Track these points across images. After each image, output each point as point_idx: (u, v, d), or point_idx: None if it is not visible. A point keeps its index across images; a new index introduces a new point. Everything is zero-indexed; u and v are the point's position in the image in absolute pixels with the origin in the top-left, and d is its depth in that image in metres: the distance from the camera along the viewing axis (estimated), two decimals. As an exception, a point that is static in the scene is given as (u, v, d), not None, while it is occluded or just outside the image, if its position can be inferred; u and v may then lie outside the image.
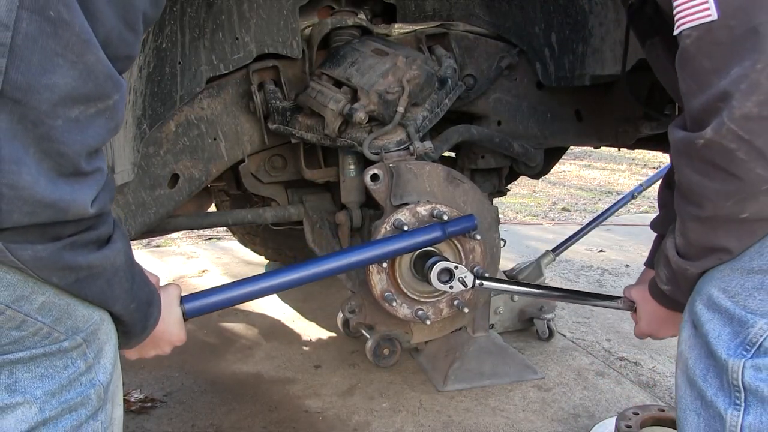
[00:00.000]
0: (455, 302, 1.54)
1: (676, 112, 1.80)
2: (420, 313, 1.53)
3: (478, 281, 1.43)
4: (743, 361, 0.93)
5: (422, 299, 1.53)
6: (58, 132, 0.65)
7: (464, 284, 1.42)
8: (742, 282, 0.98)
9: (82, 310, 0.79)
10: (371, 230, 1.54)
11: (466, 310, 1.54)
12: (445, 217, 1.44)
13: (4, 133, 0.63)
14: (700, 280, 1.06)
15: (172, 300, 1.06)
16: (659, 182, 1.42)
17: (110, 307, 0.82)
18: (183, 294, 1.08)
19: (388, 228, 1.48)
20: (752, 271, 0.98)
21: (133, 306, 0.86)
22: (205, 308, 1.11)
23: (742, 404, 0.94)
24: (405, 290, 1.52)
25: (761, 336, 0.93)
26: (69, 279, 0.74)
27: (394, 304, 1.52)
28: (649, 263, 1.34)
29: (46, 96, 0.63)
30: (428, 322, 1.54)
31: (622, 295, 1.35)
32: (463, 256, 1.52)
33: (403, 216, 1.48)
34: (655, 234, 1.33)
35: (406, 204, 1.51)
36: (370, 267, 1.46)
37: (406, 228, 1.43)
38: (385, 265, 1.49)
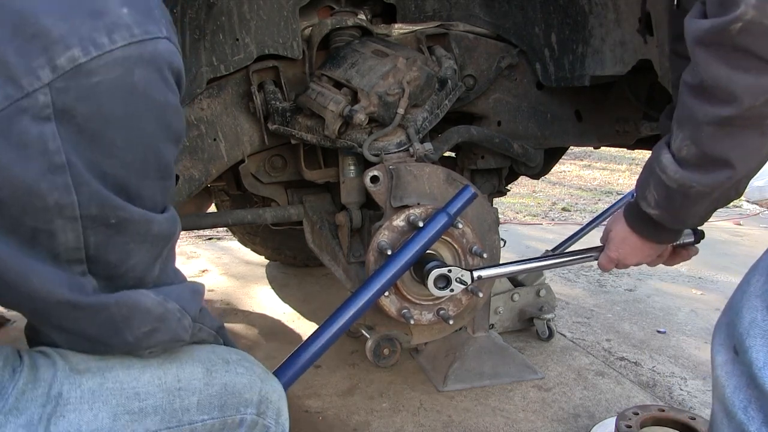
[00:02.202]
0: (469, 288, 1.54)
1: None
2: (442, 312, 1.54)
3: (475, 274, 1.43)
4: None
5: (438, 300, 1.54)
6: (151, 279, 0.76)
7: (463, 283, 1.43)
8: None
9: (241, 380, 0.82)
10: (371, 231, 1.54)
11: (480, 294, 1.54)
12: (420, 224, 1.43)
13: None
14: (738, 297, 0.94)
15: None
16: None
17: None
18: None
19: (375, 255, 1.48)
20: None
21: None
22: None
23: None
24: (418, 301, 1.52)
25: None
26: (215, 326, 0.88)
27: (413, 320, 1.52)
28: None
29: (131, 275, 0.72)
30: (451, 322, 1.54)
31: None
32: (456, 246, 1.52)
33: (383, 236, 1.48)
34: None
35: (406, 206, 1.51)
36: None
37: (389, 251, 1.42)
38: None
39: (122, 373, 0.74)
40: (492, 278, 1.53)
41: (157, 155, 0.73)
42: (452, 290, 1.43)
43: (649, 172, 1.08)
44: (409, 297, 1.51)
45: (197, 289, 0.83)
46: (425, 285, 1.43)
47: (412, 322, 1.52)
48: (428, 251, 1.47)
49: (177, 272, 0.81)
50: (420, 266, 1.46)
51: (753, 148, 0.92)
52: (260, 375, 0.86)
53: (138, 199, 0.71)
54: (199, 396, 0.77)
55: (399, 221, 1.48)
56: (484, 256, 1.52)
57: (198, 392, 0.77)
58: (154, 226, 0.73)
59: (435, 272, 1.41)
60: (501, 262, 1.70)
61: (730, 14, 0.81)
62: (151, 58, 0.69)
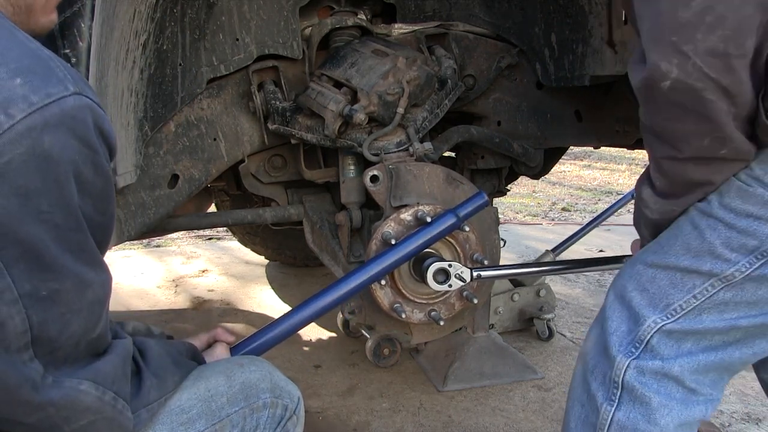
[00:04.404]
0: (464, 293, 1.54)
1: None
2: (433, 314, 1.54)
3: (475, 273, 1.43)
4: (629, 361, 0.99)
5: (431, 300, 1.53)
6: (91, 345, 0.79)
7: (462, 280, 1.42)
8: (640, 275, 1.03)
9: (254, 375, 1.00)
10: (371, 230, 1.54)
11: (475, 300, 1.54)
12: (428, 219, 1.44)
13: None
14: (617, 275, 1.09)
15: (224, 355, 1.16)
16: None
17: None
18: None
19: (377, 244, 1.48)
20: (649, 265, 1.02)
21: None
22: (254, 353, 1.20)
23: (616, 401, 0.99)
24: (412, 297, 1.52)
25: (648, 334, 0.99)
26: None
27: (404, 315, 1.52)
28: None
29: (69, 343, 0.75)
30: (442, 323, 1.54)
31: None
32: (459, 249, 1.52)
33: (389, 227, 1.48)
34: None
35: (405, 206, 1.51)
36: (372, 285, 1.45)
37: (393, 241, 1.42)
38: (383, 281, 1.49)
39: (168, 400, 0.92)
40: (491, 279, 1.53)
41: (77, 212, 0.73)
42: (450, 285, 1.43)
43: (637, 210, 1.13)
44: (404, 292, 1.51)
45: (126, 353, 0.85)
46: (424, 281, 1.43)
47: (403, 316, 1.52)
48: (430, 250, 1.47)
49: (108, 332, 0.84)
50: (419, 263, 1.46)
51: (719, 168, 0.96)
52: (269, 369, 1.03)
53: (67, 262, 0.72)
54: (227, 395, 0.95)
55: (407, 215, 1.48)
56: (485, 263, 1.52)
57: (225, 393, 0.95)
58: (87, 293, 0.75)
59: (435, 265, 1.41)
60: (501, 263, 1.70)
61: (658, 71, 0.86)
62: (58, 121, 0.68)
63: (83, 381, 0.76)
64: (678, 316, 0.98)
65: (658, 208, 1.05)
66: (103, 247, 0.79)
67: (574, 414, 1.07)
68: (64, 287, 0.72)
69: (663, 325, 0.98)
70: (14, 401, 0.72)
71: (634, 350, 0.99)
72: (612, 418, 0.99)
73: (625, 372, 0.99)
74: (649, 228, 1.10)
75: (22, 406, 0.73)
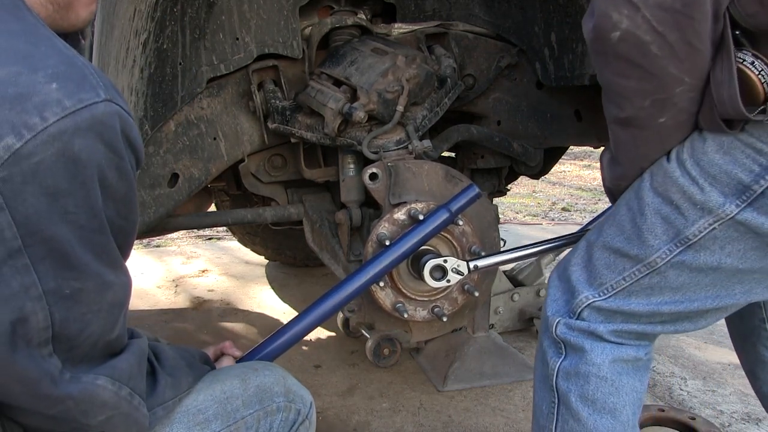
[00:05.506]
0: (465, 287, 1.53)
1: None
2: (437, 310, 1.54)
3: (471, 265, 1.42)
4: (558, 318, 1.10)
5: (433, 297, 1.53)
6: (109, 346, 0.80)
7: (460, 273, 1.42)
8: (582, 252, 1.10)
9: (268, 379, 1.02)
10: (371, 228, 1.54)
11: (477, 293, 1.53)
12: (420, 217, 1.43)
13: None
14: (567, 252, 1.18)
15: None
16: None
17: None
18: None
19: (373, 246, 1.48)
20: (590, 243, 1.09)
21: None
22: None
23: (563, 353, 1.10)
24: (413, 295, 1.51)
25: (580, 307, 1.08)
26: None
27: (407, 314, 1.52)
28: None
29: (88, 342, 0.76)
30: (445, 319, 1.54)
31: None
32: (456, 244, 1.52)
33: (384, 228, 1.48)
34: None
35: (404, 203, 1.51)
36: (372, 287, 1.45)
37: (388, 242, 1.42)
38: (382, 283, 1.48)
39: (183, 400, 0.93)
40: (488, 268, 1.49)
41: (101, 215, 0.75)
42: (449, 281, 1.42)
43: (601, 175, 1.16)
44: (404, 291, 1.50)
45: (142, 352, 0.87)
46: (422, 278, 1.42)
47: (405, 316, 1.51)
48: (427, 247, 1.47)
49: (125, 334, 0.86)
50: (417, 261, 1.45)
51: (653, 145, 0.98)
52: (282, 374, 1.05)
53: (89, 262, 0.73)
54: (242, 398, 0.97)
55: (400, 215, 1.48)
56: (480, 255, 1.52)
57: (240, 396, 0.97)
58: (108, 294, 0.76)
59: (431, 263, 1.41)
60: (500, 268, 1.69)
61: (609, 23, 0.88)
62: (89, 126, 0.70)
63: (100, 376, 0.78)
64: (608, 294, 1.05)
65: (610, 177, 1.09)
66: (124, 252, 0.81)
67: (536, 370, 1.17)
68: (86, 287, 0.74)
69: (594, 301, 1.06)
70: (36, 394, 0.74)
71: (567, 318, 1.09)
72: (559, 367, 1.10)
73: (556, 327, 1.09)
74: (608, 195, 1.14)
75: (44, 400, 0.75)
